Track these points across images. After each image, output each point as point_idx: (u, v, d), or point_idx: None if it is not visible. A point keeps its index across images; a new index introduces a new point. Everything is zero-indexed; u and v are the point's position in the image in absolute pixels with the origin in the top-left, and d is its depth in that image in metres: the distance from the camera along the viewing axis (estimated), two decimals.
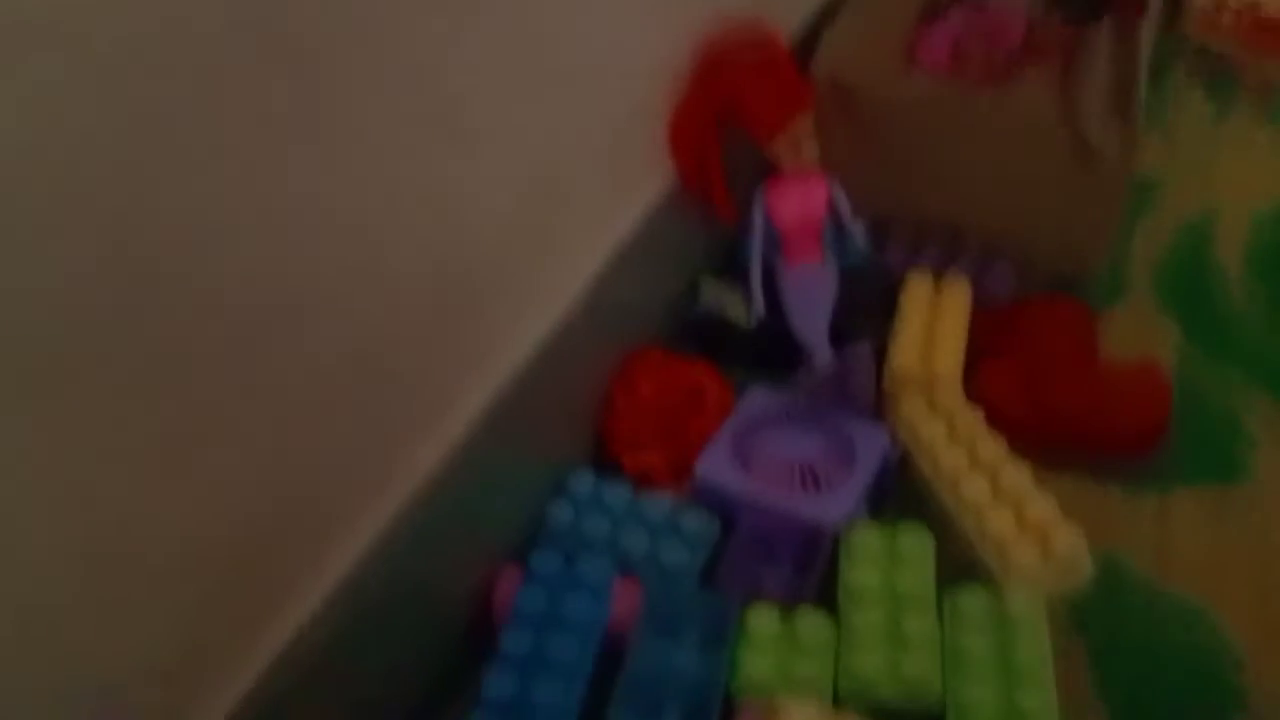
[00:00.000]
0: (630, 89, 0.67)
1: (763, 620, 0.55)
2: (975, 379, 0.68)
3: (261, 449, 0.43)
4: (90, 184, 0.33)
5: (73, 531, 0.36)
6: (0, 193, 0.31)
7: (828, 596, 0.57)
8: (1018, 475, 0.61)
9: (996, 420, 0.65)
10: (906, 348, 0.70)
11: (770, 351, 0.72)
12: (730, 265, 0.79)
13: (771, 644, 0.54)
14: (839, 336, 0.71)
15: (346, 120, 0.43)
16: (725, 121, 0.72)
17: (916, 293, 0.75)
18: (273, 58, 0.39)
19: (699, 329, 0.77)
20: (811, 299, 0.71)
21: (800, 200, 0.72)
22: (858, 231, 0.73)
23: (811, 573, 0.58)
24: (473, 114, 0.52)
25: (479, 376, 0.57)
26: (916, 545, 0.58)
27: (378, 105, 0.45)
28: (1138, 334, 0.75)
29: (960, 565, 0.60)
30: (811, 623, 0.55)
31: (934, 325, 0.72)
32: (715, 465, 0.65)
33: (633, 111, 0.68)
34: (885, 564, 0.58)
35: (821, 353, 0.70)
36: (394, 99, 0.45)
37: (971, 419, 0.65)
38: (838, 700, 0.52)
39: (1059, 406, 0.65)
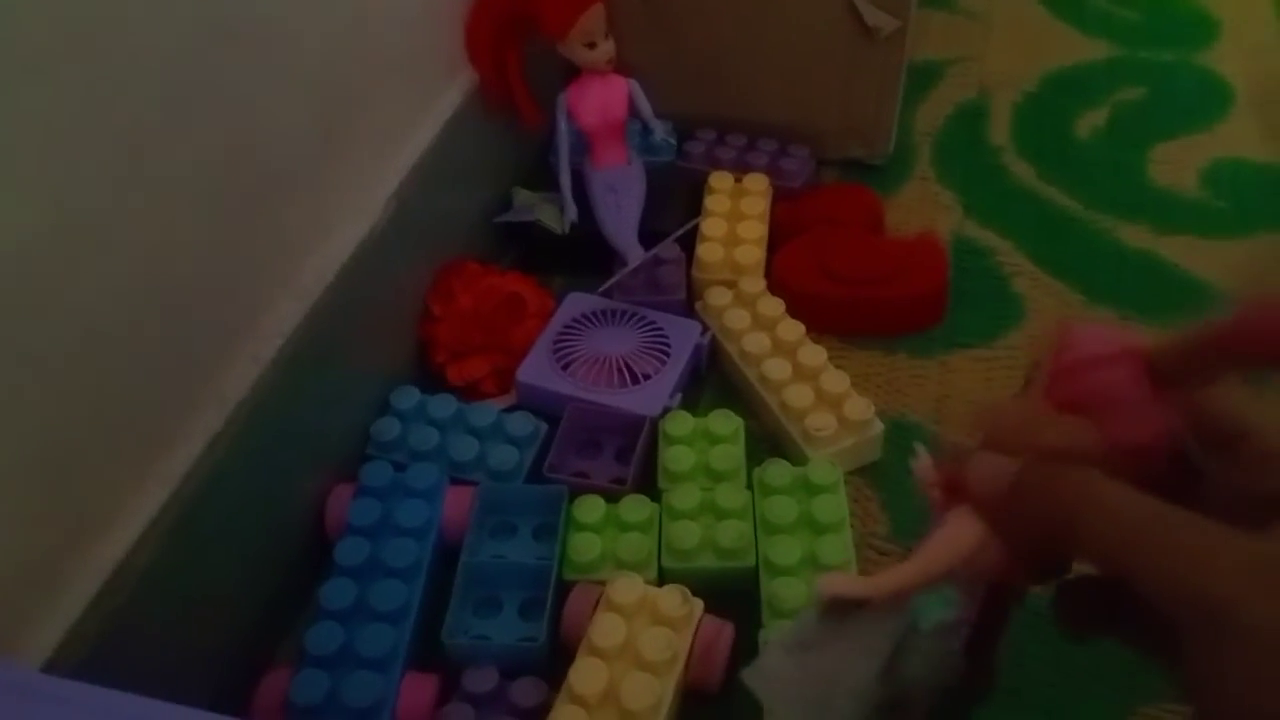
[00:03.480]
0: None
1: (588, 509, 0.58)
2: (774, 261, 0.73)
3: (56, 372, 0.42)
4: None
5: None
6: None
7: (649, 483, 0.61)
8: (815, 355, 0.66)
9: (795, 299, 0.69)
10: (712, 243, 0.74)
11: (584, 255, 0.74)
12: (544, 172, 0.80)
13: (598, 529, 0.58)
14: (649, 236, 0.73)
15: (111, 30, 0.42)
16: (519, 24, 0.71)
17: (719, 189, 0.78)
18: None
19: (513, 238, 0.78)
20: (620, 200, 0.73)
21: (601, 101, 0.73)
22: (661, 129, 0.75)
23: (633, 461, 0.61)
24: (246, 14, 0.50)
25: (286, 294, 0.56)
26: (726, 425, 0.62)
27: (142, 10, 0.43)
28: (920, 210, 0.81)
29: (770, 440, 0.65)
30: (634, 506, 0.58)
31: (736, 220, 0.76)
32: (536, 369, 0.67)
33: (424, 16, 0.67)
34: (700, 445, 0.62)
35: (632, 252, 0.72)
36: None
37: (774, 306, 0.69)
38: (662, 574, 0.57)
39: (847, 277, 0.70)
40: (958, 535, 0.25)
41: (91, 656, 0.43)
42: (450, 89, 0.71)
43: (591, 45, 0.71)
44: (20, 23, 0.38)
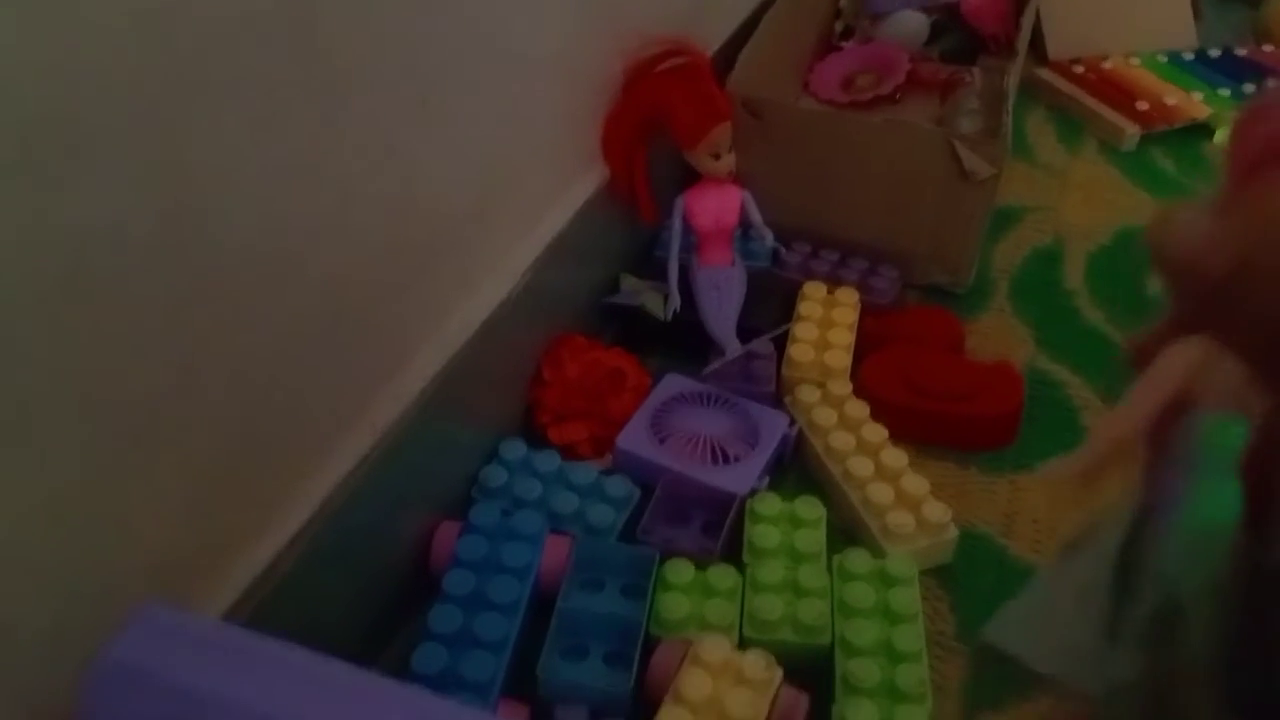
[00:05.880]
0: (571, 94, 0.74)
1: (678, 571, 0.62)
2: (861, 369, 0.78)
3: (248, 384, 0.48)
4: (125, 138, 0.38)
5: (82, 438, 0.40)
6: (46, 133, 0.35)
7: (733, 558, 0.65)
8: (897, 458, 0.70)
9: (877, 406, 0.74)
10: (803, 345, 0.79)
11: (683, 341, 0.80)
12: (648, 262, 0.87)
13: (686, 591, 0.61)
14: (745, 331, 0.79)
15: (341, 93, 0.49)
16: (651, 129, 0.79)
17: (812, 297, 0.84)
18: (285, 39, 0.44)
19: (614, 317, 0.84)
20: (722, 297, 0.80)
21: (716, 206, 0.80)
22: (766, 238, 0.82)
23: (720, 534, 0.66)
24: (440, 97, 0.58)
25: (431, 343, 0.62)
26: (811, 511, 0.67)
27: (366, 80, 0.51)
28: (997, 339, 0.87)
29: (847, 531, 0.69)
30: (721, 573, 0.62)
31: (827, 326, 0.81)
32: (635, 439, 0.72)
33: (572, 115, 0.75)
34: (785, 526, 0.66)
35: (730, 345, 0.78)
36: (379, 74, 0.52)
37: (859, 409, 0.74)
38: (743, 641, 0.60)
39: (929, 391, 0.75)
40: (1172, 359, 0.21)
41: None
42: (585, 179, 0.78)
43: (716, 156, 0.79)
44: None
